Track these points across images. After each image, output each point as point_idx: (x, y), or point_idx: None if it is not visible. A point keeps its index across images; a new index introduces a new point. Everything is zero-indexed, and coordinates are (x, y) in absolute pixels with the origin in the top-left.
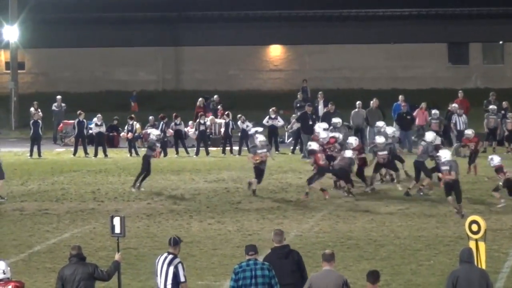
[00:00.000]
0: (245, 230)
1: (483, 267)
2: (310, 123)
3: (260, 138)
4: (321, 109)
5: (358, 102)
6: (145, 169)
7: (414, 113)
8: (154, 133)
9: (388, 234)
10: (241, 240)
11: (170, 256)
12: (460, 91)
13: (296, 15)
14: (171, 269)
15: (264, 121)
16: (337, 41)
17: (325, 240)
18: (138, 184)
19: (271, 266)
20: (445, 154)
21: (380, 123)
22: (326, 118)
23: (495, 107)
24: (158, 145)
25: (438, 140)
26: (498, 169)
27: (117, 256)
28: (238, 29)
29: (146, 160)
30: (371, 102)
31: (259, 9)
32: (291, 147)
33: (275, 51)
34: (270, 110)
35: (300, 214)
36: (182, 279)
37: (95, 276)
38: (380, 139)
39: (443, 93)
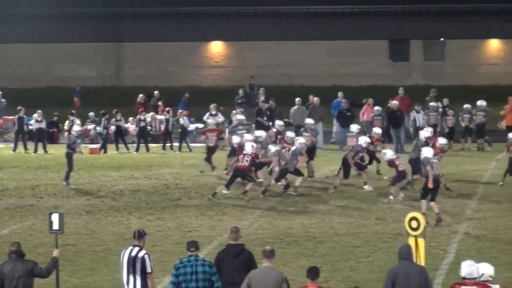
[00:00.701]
0: (185, 226)
1: (423, 263)
2: (265, 118)
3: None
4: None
5: (297, 99)
6: (70, 166)
7: (362, 109)
8: (75, 129)
9: (327, 231)
10: (180, 236)
11: (136, 249)
12: (401, 88)
13: (238, 11)
14: (139, 260)
15: (205, 118)
16: (278, 37)
17: (264, 236)
18: (68, 181)
19: (221, 262)
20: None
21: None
22: (258, 115)
23: (435, 104)
24: (79, 141)
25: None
26: (390, 163)
27: (55, 253)
28: (179, 25)
29: (69, 157)
30: (315, 99)
31: (200, 5)
32: None
33: (216, 48)
34: (211, 106)
35: (239, 211)
36: (149, 270)
37: (34, 273)
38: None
39: (383, 90)
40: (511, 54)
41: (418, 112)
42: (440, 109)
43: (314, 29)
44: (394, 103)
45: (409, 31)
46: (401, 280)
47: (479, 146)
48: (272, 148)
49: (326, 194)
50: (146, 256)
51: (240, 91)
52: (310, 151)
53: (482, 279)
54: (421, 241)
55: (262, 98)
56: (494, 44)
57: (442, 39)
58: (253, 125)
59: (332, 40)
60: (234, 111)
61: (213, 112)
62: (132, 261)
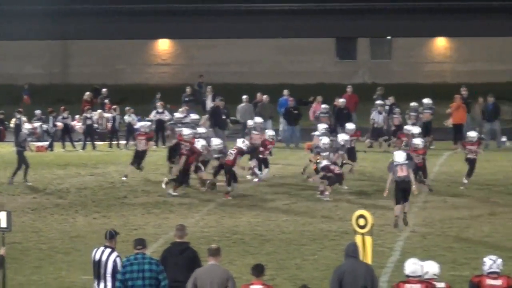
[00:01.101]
0: (131, 224)
1: (369, 262)
2: (224, 117)
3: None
4: (209, 104)
5: (244, 97)
6: (21, 164)
7: (312, 107)
8: (26, 127)
9: (273, 229)
10: (126, 234)
11: (108, 250)
12: (349, 86)
13: (185, 9)
14: (110, 262)
15: (151, 115)
16: (226, 35)
17: (210, 234)
18: (13, 178)
19: (166, 260)
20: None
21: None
22: (215, 113)
23: (382, 102)
24: (29, 139)
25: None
26: (325, 169)
27: (1, 251)
28: (126, 23)
29: (20, 155)
30: (263, 96)
31: (147, 3)
32: None
33: (163, 45)
34: (157, 104)
35: (185, 209)
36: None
37: None
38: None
39: (330, 88)
40: (458, 52)
41: (380, 113)
42: (387, 107)
43: (262, 27)
44: (341, 101)
45: (356, 29)
46: (348, 278)
47: (425, 144)
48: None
49: (273, 193)
50: (118, 259)
51: (188, 89)
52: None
53: (426, 277)
54: (368, 239)
55: (209, 96)
56: (440, 42)
57: (389, 37)
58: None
59: (279, 38)
60: (181, 109)
61: (160, 110)
62: (104, 263)
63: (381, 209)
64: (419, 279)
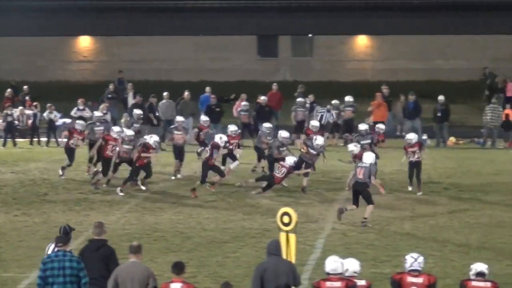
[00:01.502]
0: (52, 222)
1: (293, 259)
2: (158, 114)
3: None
4: (130, 101)
5: (165, 93)
6: None
7: (236, 105)
8: None
9: (195, 226)
10: (47, 232)
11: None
12: (274, 84)
13: (106, 6)
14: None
15: (72, 112)
16: (147, 32)
17: (131, 232)
18: None
19: (83, 257)
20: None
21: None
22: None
23: (303, 99)
24: None
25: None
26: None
27: None
28: (47, 19)
29: None
30: (185, 93)
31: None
32: None
33: (84, 42)
34: (79, 101)
35: (107, 206)
36: None
37: None
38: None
39: (252, 86)
40: (379, 51)
41: (328, 111)
42: (308, 105)
43: (182, 24)
44: (262, 98)
45: (277, 27)
46: (270, 276)
47: (346, 141)
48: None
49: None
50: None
51: (111, 86)
52: (181, 150)
53: (347, 274)
54: (292, 237)
55: (130, 93)
56: (361, 41)
57: (310, 35)
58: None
59: (200, 35)
60: (101, 106)
61: (81, 107)
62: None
63: (302, 206)
64: (339, 277)
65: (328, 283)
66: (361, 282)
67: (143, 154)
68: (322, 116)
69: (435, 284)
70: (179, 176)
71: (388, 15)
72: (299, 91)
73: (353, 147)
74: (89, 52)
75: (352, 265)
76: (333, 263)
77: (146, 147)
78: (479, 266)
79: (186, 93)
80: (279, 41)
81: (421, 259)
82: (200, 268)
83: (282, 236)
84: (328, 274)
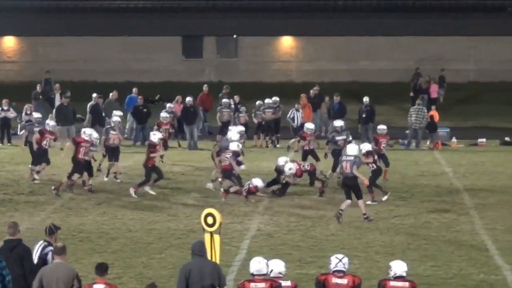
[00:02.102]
0: None
1: (218, 260)
2: (103, 114)
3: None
4: (58, 101)
5: (94, 95)
6: None
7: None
8: None
9: (120, 227)
10: None
11: (44, 243)
12: (205, 85)
13: (30, 6)
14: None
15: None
16: (72, 33)
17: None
18: None
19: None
20: None
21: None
22: (61, 110)
23: (228, 100)
24: None
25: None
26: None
27: None
28: None
29: None
30: (111, 94)
31: None
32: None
33: (9, 43)
34: (3, 101)
35: (31, 207)
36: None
37: None
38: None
39: (177, 86)
40: (303, 52)
41: (298, 110)
42: (233, 106)
43: (108, 25)
44: (188, 99)
45: (202, 28)
46: (195, 277)
47: (272, 142)
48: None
49: (119, 190)
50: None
51: (38, 87)
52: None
53: (271, 275)
54: (216, 238)
55: (57, 93)
56: (286, 42)
57: (235, 36)
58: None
59: (125, 36)
60: (26, 106)
61: (5, 108)
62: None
63: (228, 207)
64: (264, 278)
65: (252, 284)
66: (287, 283)
67: (151, 155)
68: (294, 117)
69: (359, 285)
70: (118, 180)
71: (313, 16)
72: (223, 91)
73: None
74: (14, 52)
75: (277, 266)
76: (257, 264)
77: (153, 146)
78: (398, 267)
79: (111, 94)
80: (204, 42)
81: (345, 260)
82: (126, 269)
83: (207, 237)
84: (253, 275)
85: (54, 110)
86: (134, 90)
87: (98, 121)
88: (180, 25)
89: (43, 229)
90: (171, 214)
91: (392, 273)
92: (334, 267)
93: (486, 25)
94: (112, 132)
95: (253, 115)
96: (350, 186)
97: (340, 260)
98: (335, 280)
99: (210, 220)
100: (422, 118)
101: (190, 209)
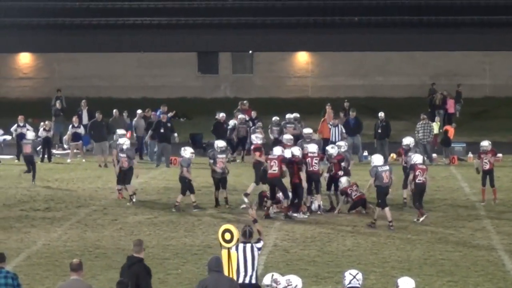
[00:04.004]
0: None
1: (234, 276)
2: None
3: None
4: (85, 117)
5: (115, 110)
6: None
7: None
8: None
9: None
10: None
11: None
12: (245, 101)
13: (46, 23)
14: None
15: (12, 129)
16: (87, 49)
17: (73, 249)
18: None
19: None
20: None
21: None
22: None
23: (244, 116)
24: None
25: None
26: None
27: None
28: None
29: None
30: (114, 110)
31: (7, 16)
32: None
33: (24, 59)
34: (19, 118)
35: (48, 223)
36: None
37: None
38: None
39: (192, 102)
40: (319, 67)
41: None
42: (249, 122)
43: (123, 41)
44: (221, 115)
45: (218, 44)
46: None
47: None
48: None
49: (136, 206)
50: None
51: (57, 104)
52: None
53: None
54: (234, 254)
55: (84, 110)
56: (302, 57)
57: (250, 51)
58: None
59: (141, 52)
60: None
61: (21, 124)
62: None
63: (244, 223)
64: None
65: None
66: None
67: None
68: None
69: None
70: (132, 201)
71: (328, 31)
72: (239, 107)
73: (331, 150)
74: (29, 69)
75: (296, 281)
76: (266, 279)
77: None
78: (405, 285)
79: (114, 110)
80: (220, 58)
81: (359, 276)
82: None
83: (224, 253)
84: None
85: (88, 127)
86: (162, 107)
87: (97, 138)
88: (196, 41)
89: (60, 245)
90: (187, 230)
91: (346, 282)
92: (348, 284)
93: (501, 40)
94: (121, 154)
95: (269, 130)
96: (386, 194)
97: (354, 277)
98: None
99: (227, 236)
100: (429, 133)
101: (206, 225)
